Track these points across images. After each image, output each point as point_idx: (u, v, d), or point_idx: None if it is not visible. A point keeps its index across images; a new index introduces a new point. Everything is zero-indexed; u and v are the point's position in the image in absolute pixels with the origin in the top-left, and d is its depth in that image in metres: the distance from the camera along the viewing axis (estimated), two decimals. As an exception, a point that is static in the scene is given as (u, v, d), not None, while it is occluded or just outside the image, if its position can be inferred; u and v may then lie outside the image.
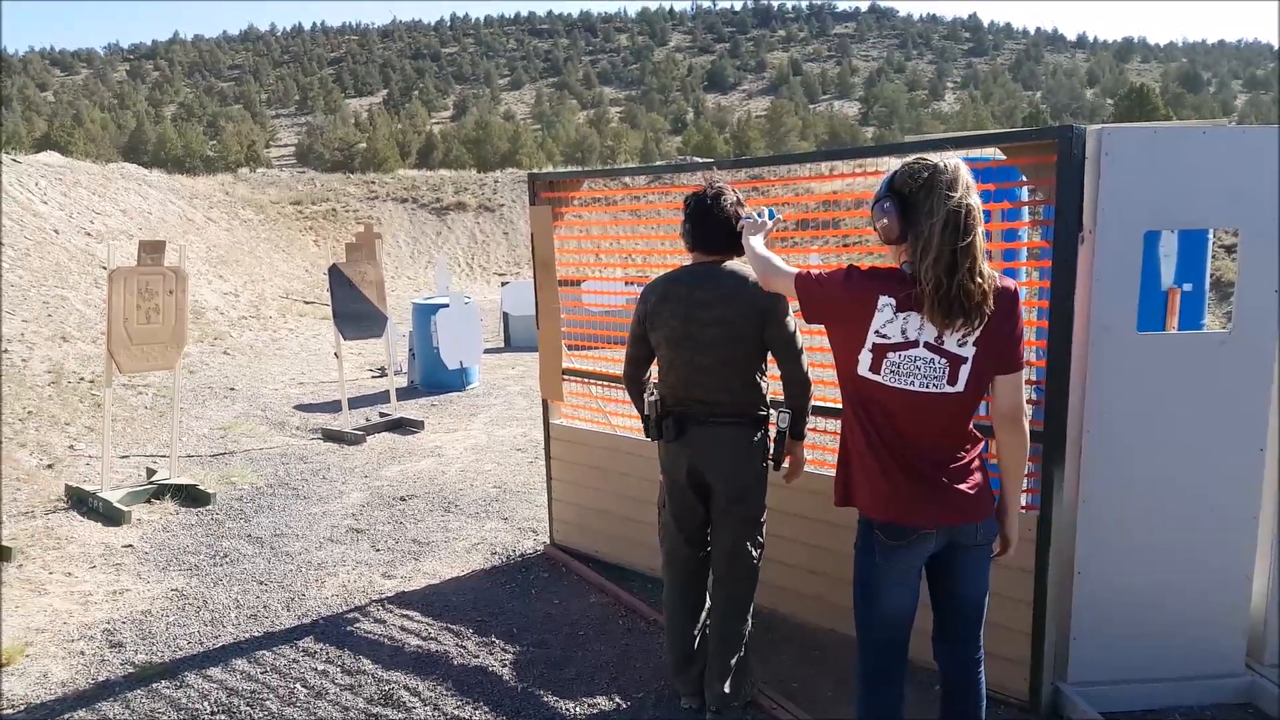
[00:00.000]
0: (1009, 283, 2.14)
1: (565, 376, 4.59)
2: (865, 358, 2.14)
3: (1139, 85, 55.99)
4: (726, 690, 2.99)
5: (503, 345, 12.44)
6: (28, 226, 13.07)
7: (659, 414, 3.02)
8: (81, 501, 5.49)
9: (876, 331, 2.12)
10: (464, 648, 3.68)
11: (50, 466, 6.33)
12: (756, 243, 2.63)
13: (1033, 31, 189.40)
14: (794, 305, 2.53)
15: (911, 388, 2.12)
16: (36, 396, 7.90)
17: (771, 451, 2.96)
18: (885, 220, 2.11)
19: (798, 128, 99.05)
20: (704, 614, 3.14)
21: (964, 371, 2.10)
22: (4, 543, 4.63)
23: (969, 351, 2.09)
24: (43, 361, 8.83)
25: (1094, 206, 2.81)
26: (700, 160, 29.67)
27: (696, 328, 2.88)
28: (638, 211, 5.55)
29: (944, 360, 2.09)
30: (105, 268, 12.69)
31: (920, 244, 2.03)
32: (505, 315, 12.78)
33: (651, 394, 3.05)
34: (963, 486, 2.17)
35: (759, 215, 2.79)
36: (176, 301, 5.64)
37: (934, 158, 2.07)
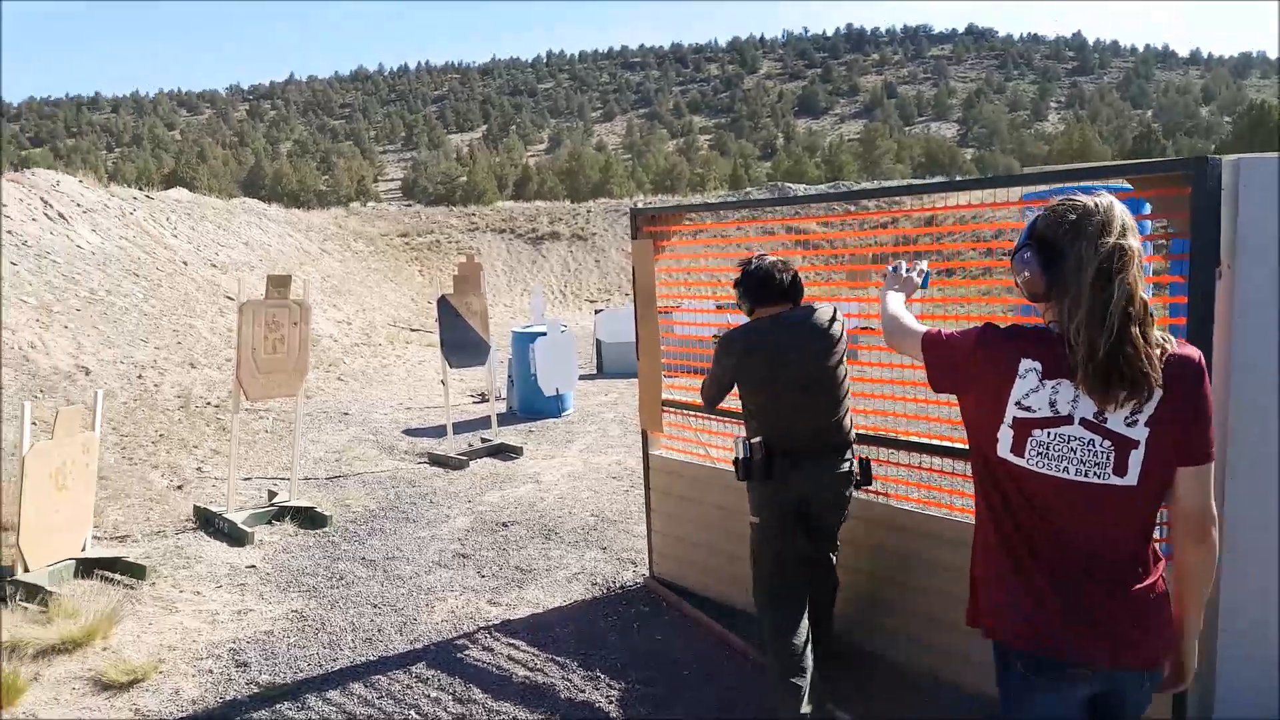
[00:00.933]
0: (1190, 351, 1.74)
1: (665, 408, 4.61)
2: (1005, 435, 1.77)
3: (1259, 102, 53.15)
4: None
5: (596, 372, 12.59)
6: (159, 259, 13.96)
7: (765, 455, 3.13)
8: (208, 522, 5.79)
9: (1018, 403, 1.75)
10: (570, 681, 3.72)
11: (180, 487, 6.70)
12: (894, 300, 2.34)
13: (1141, 49, 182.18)
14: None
15: (1065, 475, 1.71)
16: (167, 420, 8.39)
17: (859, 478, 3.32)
18: (1027, 273, 1.77)
19: (892, 150, 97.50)
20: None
21: (1135, 459, 1.69)
22: (139, 561, 4.91)
23: (1140, 433, 1.69)
24: (173, 387, 9.39)
25: (1232, 240, 2.68)
26: (798, 193, 29.53)
27: (795, 370, 3.13)
28: (725, 231, 5.55)
29: (1108, 442, 1.69)
30: (231, 298, 13.50)
31: (1068, 300, 1.69)
32: (599, 342, 12.95)
33: (751, 437, 3.20)
34: (1140, 616, 1.73)
35: (907, 270, 2.55)
36: (300, 332, 5.94)
37: (1083, 198, 1.77)
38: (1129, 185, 2.88)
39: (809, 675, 3.12)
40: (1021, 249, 1.81)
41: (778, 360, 3.13)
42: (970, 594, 1.93)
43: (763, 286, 3.23)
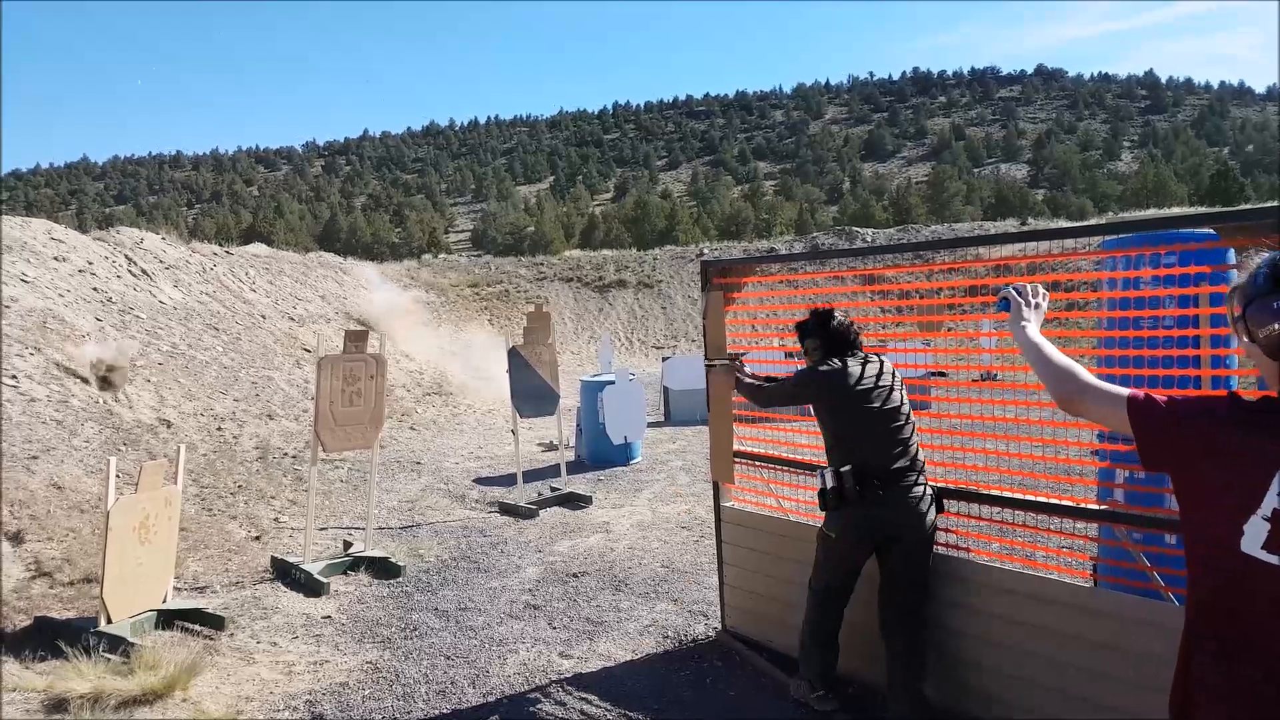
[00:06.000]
0: None
1: (736, 459, 4.58)
2: (1257, 529, 1.44)
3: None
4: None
5: (663, 419, 12.58)
6: (239, 313, 14.53)
7: (855, 483, 3.43)
8: (285, 573, 5.91)
9: None
10: (643, 736, 3.66)
11: (258, 538, 6.87)
12: (1035, 333, 1.98)
13: (1216, 85, 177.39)
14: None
15: None
16: (246, 471, 8.65)
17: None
18: (1277, 325, 1.45)
19: (962, 192, 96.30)
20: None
21: None
22: (218, 613, 5.02)
23: None
24: (251, 438, 9.69)
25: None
26: (866, 237, 29.33)
27: (882, 401, 3.54)
28: (794, 282, 5.54)
29: None
30: (308, 350, 13.94)
31: None
32: (666, 389, 12.96)
33: (840, 467, 3.50)
34: None
35: (1020, 293, 2.13)
36: (376, 386, 6.10)
37: None
38: (1215, 233, 2.80)
39: (829, 671, 3.72)
40: (1263, 295, 1.47)
41: (874, 393, 3.55)
42: (1180, 691, 1.62)
43: (843, 337, 3.69)
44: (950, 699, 3.56)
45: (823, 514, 3.66)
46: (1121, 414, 1.67)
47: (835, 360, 3.64)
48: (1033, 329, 2.00)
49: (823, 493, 3.55)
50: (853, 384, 3.56)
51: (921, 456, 3.59)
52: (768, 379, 4.09)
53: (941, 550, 3.63)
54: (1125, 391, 1.71)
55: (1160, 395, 1.66)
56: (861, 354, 3.68)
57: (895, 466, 3.47)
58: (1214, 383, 3.23)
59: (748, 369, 4.18)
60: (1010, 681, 3.37)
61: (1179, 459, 1.59)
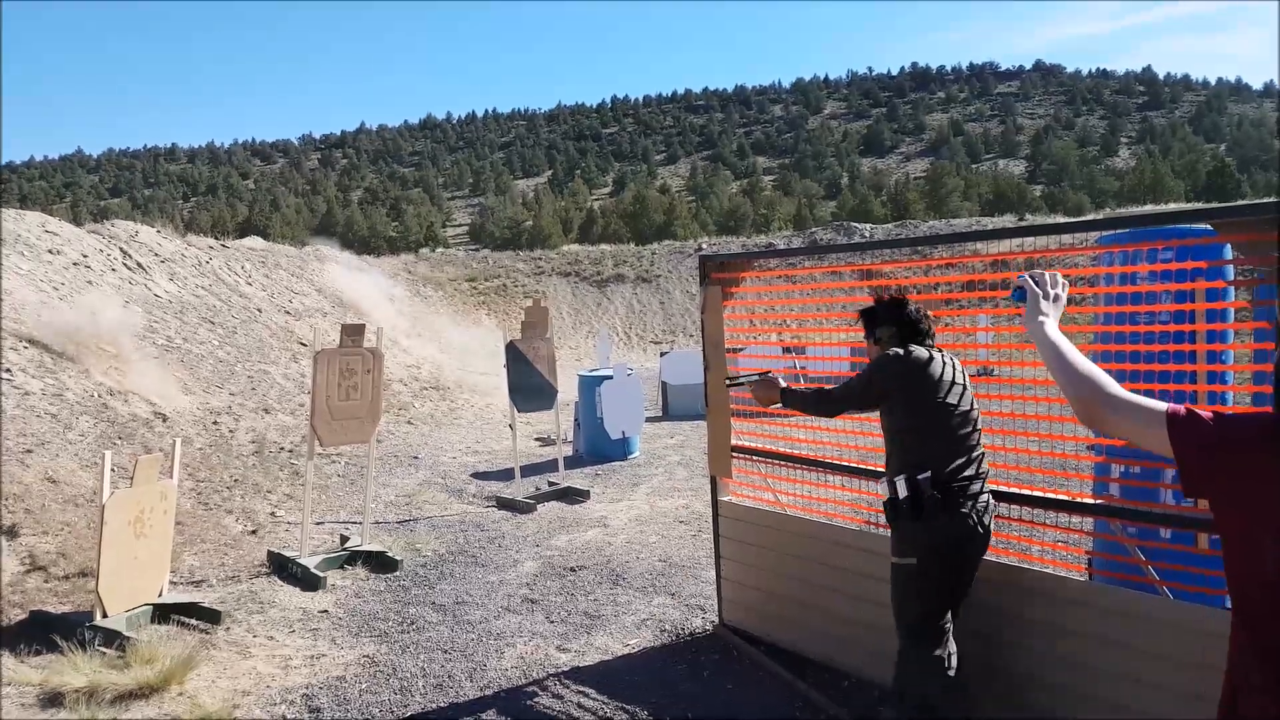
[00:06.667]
0: None
1: (734, 454, 4.59)
2: None
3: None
4: None
5: (661, 414, 12.58)
6: (235, 306, 14.50)
7: (934, 491, 3.02)
8: (282, 567, 5.91)
9: None
10: (639, 730, 3.67)
11: (254, 532, 6.87)
12: (1053, 331, 1.75)
13: (1214, 82, 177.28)
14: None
15: None
16: (242, 465, 8.65)
17: None
18: None
19: (960, 188, 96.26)
20: None
21: None
22: (214, 607, 5.02)
23: None
24: (247, 432, 9.68)
25: (1326, 283, 2.57)
26: (865, 232, 29.32)
27: (958, 400, 3.16)
28: (792, 277, 5.54)
29: None
30: (304, 344, 13.92)
31: None
32: (664, 384, 12.96)
33: (910, 474, 3.07)
34: None
35: (1038, 283, 1.88)
36: (373, 380, 6.09)
37: None
38: (1212, 229, 2.80)
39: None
40: None
41: (953, 389, 3.15)
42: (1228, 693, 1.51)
43: (917, 326, 3.33)
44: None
45: (890, 526, 3.21)
46: (1158, 432, 1.45)
47: (915, 348, 3.26)
48: (1051, 325, 1.76)
49: (892, 503, 3.12)
50: (936, 374, 3.16)
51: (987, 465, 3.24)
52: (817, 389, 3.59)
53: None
54: (1163, 406, 1.48)
55: (1204, 411, 1.44)
56: (935, 348, 3.31)
57: (973, 474, 3.12)
58: (1209, 378, 3.23)
59: (781, 380, 3.70)
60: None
61: (1228, 486, 1.40)
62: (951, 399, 3.12)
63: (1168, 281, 3.20)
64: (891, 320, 3.34)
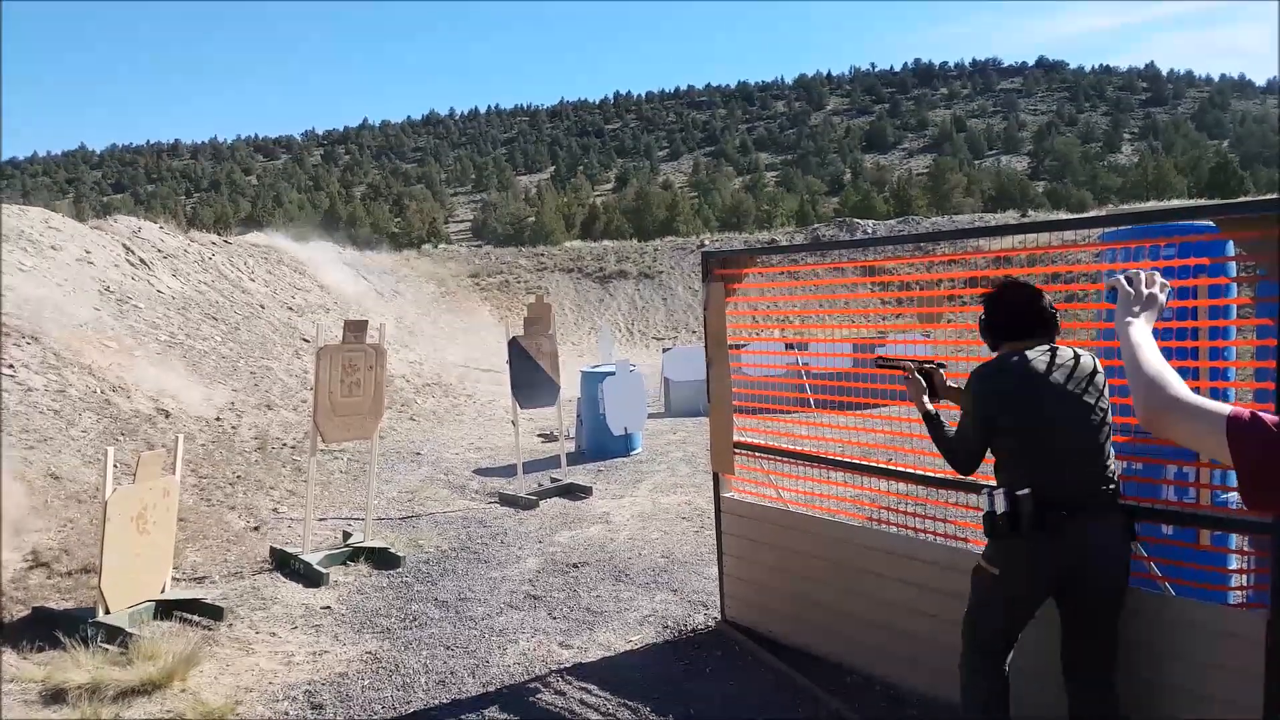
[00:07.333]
0: None
1: (736, 450, 4.59)
2: None
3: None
4: None
5: (663, 411, 12.58)
6: (237, 303, 14.52)
7: (1033, 509, 2.69)
8: (284, 563, 5.91)
9: None
10: (641, 726, 3.67)
11: (256, 529, 6.88)
12: (1139, 332, 1.67)
13: (1217, 78, 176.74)
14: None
15: None
16: (244, 462, 8.66)
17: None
18: None
19: (962, 184, 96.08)
20: None
21: None
22: (216, 603, 5.03)
23: None
24: (250, 429, 9.69)
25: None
26: (868, 228, 29.30)
27: (1068, 409, 2.74)
28: (795, 273, 5.53)
29: None
30: (306, 340, 13.93)
31: None
32: (666, 381, 12.95)
33: (1016, 488, 2.73)
34: None
35: (1131, 283, 1.80)
36: (376, 376, 6.09)
37: None
38: (1214, 225, 2.79)
39: None
40: None
41: (1062, 395, 2.74)
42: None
43: (1019, 318, 2.84)
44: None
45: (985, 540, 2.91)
46: (1218, 435, 1.35)
47: (1009, 351, 2.85)
48: (1139, 326, 1.67)
49: (989, 517, 2.80)
50: (1030, 383, 2.76)
51: (1118, 475, 2.85)
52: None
53: None
54: (1225, 409, 1.38)
55: (1270, 415, 1.35)
56: (1049, 342, 2.85)
57: (1085, 489, 2.74)
58: (1212, 374, 3.23)
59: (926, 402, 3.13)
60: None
61: None
62: (1061, 407, 2.73)
63: (1170, 278, 3.20)
64: (986, 314, 2.91)
